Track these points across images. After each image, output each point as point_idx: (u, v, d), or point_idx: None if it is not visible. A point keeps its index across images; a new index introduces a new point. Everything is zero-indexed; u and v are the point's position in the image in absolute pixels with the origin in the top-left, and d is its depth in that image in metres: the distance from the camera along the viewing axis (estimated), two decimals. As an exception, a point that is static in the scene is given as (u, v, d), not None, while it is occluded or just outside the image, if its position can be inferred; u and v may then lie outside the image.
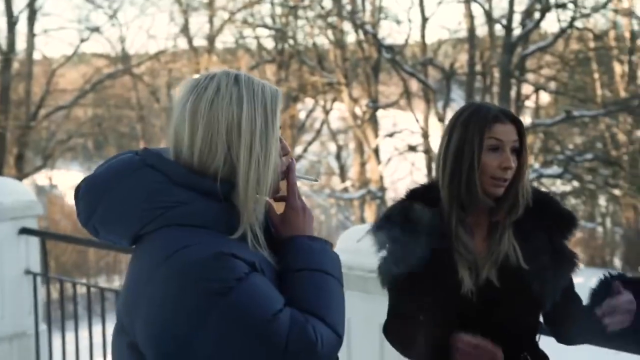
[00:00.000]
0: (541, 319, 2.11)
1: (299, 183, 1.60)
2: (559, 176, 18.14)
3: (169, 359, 1.36)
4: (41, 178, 22.51)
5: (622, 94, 18.69)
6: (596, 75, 19.54)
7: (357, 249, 2.94)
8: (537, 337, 2.10)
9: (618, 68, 19.19)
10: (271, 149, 1.45)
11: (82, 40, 20.49)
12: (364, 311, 2.90)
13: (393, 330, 2.13)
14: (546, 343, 2.17)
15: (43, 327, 4.91)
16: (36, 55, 20.84)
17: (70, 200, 22.85)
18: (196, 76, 1.51)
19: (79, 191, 1.49)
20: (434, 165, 17.94)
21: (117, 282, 16.64)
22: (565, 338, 2.16)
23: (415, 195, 2.10)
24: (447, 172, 1.99)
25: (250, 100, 1.44)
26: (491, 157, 1.96)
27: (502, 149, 1.96)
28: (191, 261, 1.35)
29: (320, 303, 1.44)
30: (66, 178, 23.61)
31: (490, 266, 1.98)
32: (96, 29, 20.22)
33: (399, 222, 2.03)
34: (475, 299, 1.96)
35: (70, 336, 4.55)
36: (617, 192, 19.37)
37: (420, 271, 1.97)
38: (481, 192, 1.96)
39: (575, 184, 19.15)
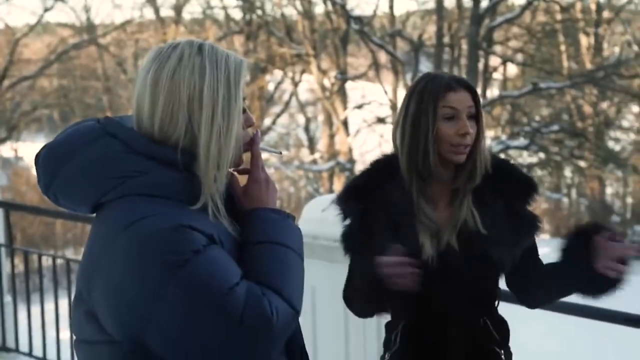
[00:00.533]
0: (502, 285, 2.15)
1: (266, 155, 1.59)
2: (526, 148, 18.32)
3: (126, 328, 1.36)
4: (6, 150, 22.21)
5: (588, 66, 18.86)
6: (563, 48, 19.68)
7: (322, 219, 2.96)
8: (497, 302, 2.15)
9: (584, 40, 19.35)
10: (233, 120, 1.44)
11: (46, 9, 20.16)
12: (329, 280, 2.92)
13: (350, 294, 2.15)
14: (505, 309, 2.22)
15: (8, 298, 4.88)
16: (-1, 25, 20.44)
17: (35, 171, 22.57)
18: (160, 45, 1.49)
19: (39, 158, 1.48)
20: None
21: (85, 255, 16.48)
22: (530, 302, 2.22)
23: (379, 165, 2.13)
24: (406, 143, 2.02)
25: (213, 70, 1.43)
26: (448, 125, 1.98)
27: (457, 117, 1.99)
28: (148, 232, 1.34)
29: (279, 277, 1.43)
30: (32, 150, 23.29)
31: (450, 232, 2.02)
32: (60, -2, 19.86)
33: (363, 194, 2.06)
34: (435, 264, 1.99)
35: (36, 308, 4.53)
36: (582, 163, 19.63)
37: (383, 240, 1.99)
38: (439, 162, 2.00)
39: (542, 155, 19.37)
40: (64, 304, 4.29)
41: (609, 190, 21.89)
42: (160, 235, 1.34)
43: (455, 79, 2.03)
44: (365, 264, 1.96)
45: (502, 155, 2.22)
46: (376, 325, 2.83)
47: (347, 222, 2.10)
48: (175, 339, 1.35)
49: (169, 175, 1.42)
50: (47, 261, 4.96)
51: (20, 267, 6.69)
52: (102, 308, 1.38)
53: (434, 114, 1.98)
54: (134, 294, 1.34)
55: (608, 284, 2.03)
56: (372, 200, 2.05)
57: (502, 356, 2.10)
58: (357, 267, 2.07)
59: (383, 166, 2.11)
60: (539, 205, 16.91)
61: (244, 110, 1.50)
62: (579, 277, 2.05)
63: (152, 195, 1.41)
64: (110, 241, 1.37)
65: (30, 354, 4.60)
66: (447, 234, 2.02)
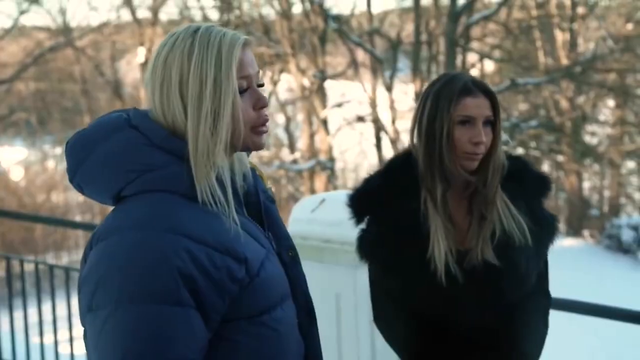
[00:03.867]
0: None
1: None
2: (505, 143, 18.36)
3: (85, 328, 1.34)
4: (-18, 155, 21.96)
5: (564, 61, 19.00)
6: (539, 44, 19.83)
7: (311, 219, 2.94)
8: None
9: (560, 36, 19.49)
10: (225, 101, 1.36)
11: (22, 12, 19.96)
12: (319, 281, 2.91)
13: (384, 326, 2.09)
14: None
15: (-9, 306, 4.82)
16: (-27, 28, 20.21)
17: (14, 176, 22.35)
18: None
19: (67, 146, 1.45)
20: (398, 138, 18.00)
21: (66, 259, 16.35)
22: None
23: (394, 165, 2.04)
24: (422, 144, 1.94)
25: (202, 50, 1.37)
26: (462, 131, 1.89)
27: (473, 123, 1.89)
28: (126, 245, 1.30)
29: None
30: (9, 154, 23.07)
31: (484, 243, 1.91)
32: (35, 0, 19.68)
33: (378, 198, 1.98)
34: (461, 276, 1.89)
35: (18, 314, 4.47)
36: (560, 158, 19.77)
37: (401, 253, 1.94)
38: (456, 166, 1.90)
39: (520, 150, 19.49)
40: (47, 310, 4.24)
41: (586, 184, 22.07)
42: (132, 263, 1.28)
43: (475, 82, 1.92)
44: (385, 276, 1.91)
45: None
46: (369, 328, 2.82)
47: (362, 226, 2.02)
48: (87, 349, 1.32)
49: (184, 170, 1.37)
50: (27, 266, 4.90)
51: (0, 273, 6.60)
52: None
53: (448, 118, 1.88)
54: (98, 294, 1.30)
55: None
56: (388, 207, 1.96)
57: None
58: (386, 285, 2.01)
59: (399, 166, 2.02)
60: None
61: (255, 91, 1.43)
62: None
63: (168, 190, 1.36)
64: (107, 235, 1.34)
65: (14, 362, 4.54)
66: (481, 246, 1.90)
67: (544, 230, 1.98)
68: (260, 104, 1.44)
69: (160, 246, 1.29)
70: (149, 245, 1.29)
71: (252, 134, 1.44)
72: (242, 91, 1.41)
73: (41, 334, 4.34)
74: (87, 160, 1.40)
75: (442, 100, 1.89)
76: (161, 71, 1.40)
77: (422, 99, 1.96)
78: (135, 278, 1.27)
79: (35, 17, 30.50)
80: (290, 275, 1.49)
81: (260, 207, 1.52)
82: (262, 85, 1.46)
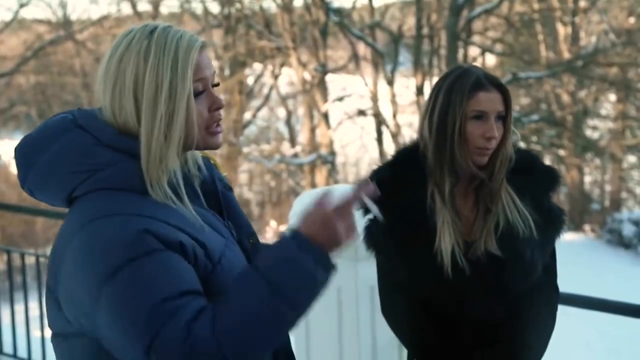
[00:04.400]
0: None
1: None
2: (515, 141, 18.34)
3: (81, 323, 1.34)
4: (-17, 148, 21.96)
5: (566, 55, 18.97)
6: (541, 37, 19.79)
7: (312, 213, 2.93)
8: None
9: (562, 30, 19.45)
10: (180, 104, 1.35)
11: (22, 5, 19.93)
12: (320, 274, 2.90)
13: (391, 317, 2.08)
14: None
15: (-9, 299, 4.82)
16: (-27, 22, 20.19)
17: (15, 169, 22.36)
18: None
19: (16, 152, 1.45)
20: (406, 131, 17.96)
21: (66, 253, 16.36)
22: None
23: (402, 157, 2.04)
24: (433, 137, 1.93)
25: (158, 52, 1.36)
26: (474, 126, 1.89)
27: (485, 118, 1.88)
28: (101, 233, 1.30)
29: (236, 318, 1.26)
30: (10, 148, 23.05)
31: (487, 235, 1.92)
32: (36, -7, 19.64)
33: (386, 189, 1.98)
34: (468, 272, 1.90)
35: (19, 307, 4.47)
36: (561, 152, 19.75)
37: (408, 244, 1.94)
38: (467, 161, 1.91)
39: (522, 144, 19.44)
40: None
41: (587, 179, 22.05)
42: (112, 238, 1.29)
43: (488, 76, 1.90)
44: (392, 270, 1.92)
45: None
46: (370, 321, 2.81)
47: (370, 216, 2.01)
48: (111, 342, 1.31)
49: (135, 167, 1.38)
50: (28, 259, 4.89)
51: (0, 266, 6.59)
52: (63, 301, 1.36)
53: (461, 113, 1.87)
54: (83, 292, 1.31)
55: None
56: (396, 198, 1.95)
57: None
58: (385, 273, 2.02)
59: (406, 158, 2.02)
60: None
61: (211, 93, 1.43)
62: None
63: (121, 188, 1.36)
64: (71, 236, 1.34)
65: (14, 356, 4.53)
66: (484, 237, 1.91)
67: (551, 222, 1.98)
68: (215, 105, 1.44)
69: (130, 222, 1.30)
70: (117, 224, 1.30)
71: (207, 134, 1.44)
72: (197, 94, 1.41)
73: (42, 327, 4.32)
74: (35, 165, 1.40)
75: (454, 95, 1.89)
76: (114, 72, 1.38)
77: (433, 92, 1.95)
78: (115, 251, 1.27)
79: (35, 10, 30.52)
80: (253, 261, 1.50)
81: (218, 196, 1.53)
82: (216, 84, 1.46)
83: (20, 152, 1.43)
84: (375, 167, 2.07)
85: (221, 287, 1.37)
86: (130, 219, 1.31)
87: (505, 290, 1.94)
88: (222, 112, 1.46)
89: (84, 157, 1.37)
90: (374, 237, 2.00)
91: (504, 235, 1.92)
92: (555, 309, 2.06)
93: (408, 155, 2.02)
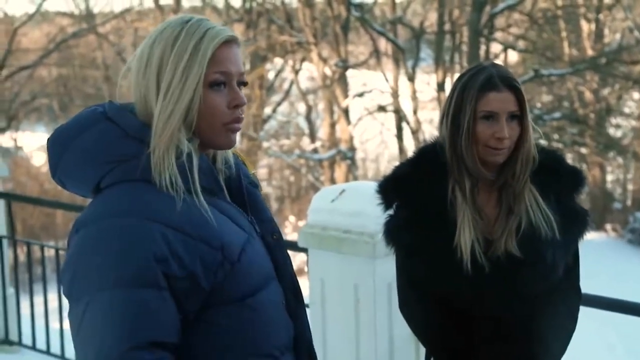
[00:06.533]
0: None
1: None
2: (536, 138, 18.24)
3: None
4: (6, 140, 22.15)
5: (589, 52, 18.81)
6: (564, 34, 19.62)
7: (331, 209, 2.91)
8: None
9: (585, 26, 19.28)
10: (188, 86, 1.37)
11: (45, -2, 20.03)
12: (338, 271, 2.88)
13: (409, 313, 2.08)
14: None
15: (11, 290, 4.84)
16: (-3, 14, 20.35)
17: (36, 161, 22.55)
18: None
19: (49, 142, 1.47)
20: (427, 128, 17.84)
21: (86, 245, 16.46)
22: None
23: (423, 154, 2.03)
24: (448, 137, 1.93)
25: (187, 39, 1.39)
26: (485, 126, 1.88)
27: (496, 118, 1.88)
28: (108, 237, 1.32)
29: None
30: (32, 140, 23.25)
31: (508, 237, 1.91)
32: (59, -14, 19.76)
33: (406, 186, 1.98)
34: (488, 271, 1.90)
35: (38, 299, 4.49)
36: (583, 150, 19.60)
37: (429, 239, 1.94)
38: (476, 162, 1.91)
39: (543, 142, 19.30)
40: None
41: (609, 177, 21.87)
42: (119, 248, 1.31)
43: (501, 75, 1.89)
44: (412, 266, 1.93)
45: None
46: (387, 319, 2.79)
47: (390, 212, 2.02)
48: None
49: None
50: (48, 252, 4.92)
51: (21, 258, 6.65)
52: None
53: (471, 113, 1.88)
54: (77, 281, 1.33)
55: None
56: (416, 194, 1.95)
57: None
58: (414, 274, 2.01)
59: (428, 156, 2.01)
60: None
61: (234, 89, 1.43)
62: None
63: (145, 180, 1.37)
64: (83, 225, 1.37)
65: (33, 347, 4.56)
66: (505, 237, 1.91)
67: (575, 224, 1.97)
68: (235, 102, 1.43)
69: (138, 232, 1.31)
70: (126, 231, 1.31)
71: (223, 130, 1.44)
72: (216, 84, 1.41)
73: (61, 319, 4.35)
74: (65, 155, 1.42)
75: (466, 94, 1.89)
76: (147, 55, 1.41)
77: (451, 90, 1.95)
78: (114, 264, 1.29)
79: (58, 3, 30.67)
80: (275, 258, 1.51)
81: (242, 191, 1.54)
82: (244, 84, 1.46)
83: (53, 143, 1.45)
84: (395, 164, 2.07)
85: (239, 283, 1.38)
86: (144, 226, 1.31)
87: (524, 290, 1.93)
88: (242, 110, 1.45)
89: (111, 148, 1.39)
90: (394, 232, 2.00)
91: (525, 236, 1.91)
92: (577, 311, 2.04)
93: (429, 152, 2.01)
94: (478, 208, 1.93)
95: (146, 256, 1.29)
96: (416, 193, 1.95)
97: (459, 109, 1.90)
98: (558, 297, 1.98)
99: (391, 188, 2.01)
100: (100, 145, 1.39)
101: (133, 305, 1.28)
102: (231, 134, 1.45)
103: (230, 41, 1.43)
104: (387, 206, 2.01)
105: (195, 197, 1.38)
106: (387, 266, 2.57)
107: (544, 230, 1.90)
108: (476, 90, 1.88)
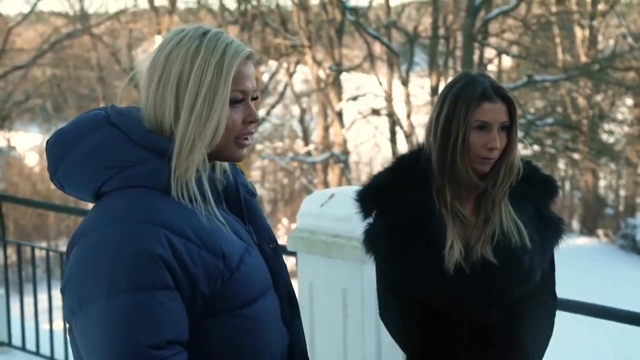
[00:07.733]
0: None
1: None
2: (520, 140, 18.27)
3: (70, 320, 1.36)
4: (-2, 140, 22.11)
5: (583, 58, 18.88)
6: (558, 40, 19.69)
7: (320, 213, 2.93)
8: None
9: (579, 33, 19.35)
10: (217, 107, 1.38)
11: (39, -2, 20.01)
12: (326, 275, 2.89)
13: (389, 320, 2.11)
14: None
15: (1, 291, 4.84)
16: (-9, 14, 20.31)
17: (29, 162, 22.50)
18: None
19: (48, 145, 1.47)
20: (413, 135, 17.88)
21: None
22: None
23: (403, 163, 2.06)
24: (437, 144, 1.96)
25: (206, 54, 1.39)
26: (477, 136, 1.91)
27: (489, 129, 1.91)
28: (112, 243, 1.31)
29: None
30: (25, 140, 23.21)
31: (485, 243, 1.95)
32: (53, -14, 19.75)
33: (386, 194, 2.01)
34: (466, 267, 1.93)
35: (28, 300, 4.49)
36: (576, 156, 19.65)
37: (409, 244, 1.96)
38: (468, 170, 1.93)
39: (536, 148, 19.40)
40: (57, 297, 4.25)
41: (602, 183, 21.95)
42: (123, 252, 1.30)
43: (494, 87, 1.92)
44: (392, 272, 1.94)
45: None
46: (375, 323, 2.80)
47: (369, 220, 2.04)
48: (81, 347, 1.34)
49: (163, 166, 1.38)
50: (39, 252, 4.91)
51: (12, 258, 6.65)
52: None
53: (465, 123, 1.90)
54: (75, 290, 1.33)
55: None
56: (395, 201, 1.98)
57: None
58: (393, 278, 2.03)
59: (407, 164, 2.04)
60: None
61: (248, 105, 1.44)
62: None
63: (148, 186, 1.37)
64: (88, 231, 1.36)
65: (23, 348, 4.56)
66: (481, 244, 1.94)
67: (551, 231, 2.00)
68: (250, 118, 1.45)
69: (143, 237, 1.31)
70: (132, 236, 1.31)
71: (234, 145, 1.45)
72: (235, 102, 1.43)
73: (51, 320, 4.35)
74: (66, 158, 1.42)
75: (460, 104, 1.91)
76: (161, 66, 1.40)
77: (440, 99, 1.97)
78: (123, 269, 1.29)
79: (52, 3, 30.62)
80: (272, 266, 1.51)
81: (240, 201, 1.54)
82: (255, 98, 1.47)
83: (53, 146, 1.45)
84: (376, 172, 2.09)
85: (238, 292, 1.39)
86: (150, 230, 1.31)
87: (502, 294, 1.95)
88: (253, 126, 1.47)
89: (114, 153, 1.39)
90: (373, 239, 2.02)
91: (499, 242, 1.94)
92: (553, 315, 2.07)
93: (408, 160, 2.04)
94: (459, 214, 1.96)
95: (155, 259, 1.30)
96: (395, 200, 1.98)
97: (450, 118, 1.92)
98: (536, 304, 2.01)
99: (370, 196, 2.03)
100: (103, 150, 1.39)
101: (150, 307, 1.28)
102: (241, 148, 1.46)
103: (249, 57, 1.45)
104: (366, 214, 2.04)
105: (210, 208, 1.39)
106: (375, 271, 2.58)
107: (515, 240, 1.94)
108: (471, 100, 1.90)
